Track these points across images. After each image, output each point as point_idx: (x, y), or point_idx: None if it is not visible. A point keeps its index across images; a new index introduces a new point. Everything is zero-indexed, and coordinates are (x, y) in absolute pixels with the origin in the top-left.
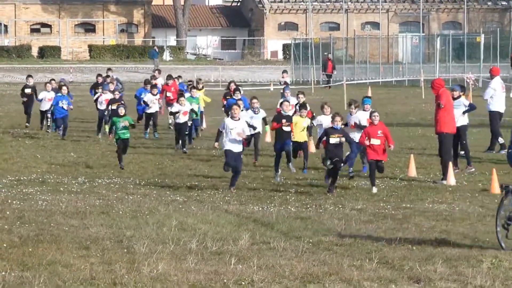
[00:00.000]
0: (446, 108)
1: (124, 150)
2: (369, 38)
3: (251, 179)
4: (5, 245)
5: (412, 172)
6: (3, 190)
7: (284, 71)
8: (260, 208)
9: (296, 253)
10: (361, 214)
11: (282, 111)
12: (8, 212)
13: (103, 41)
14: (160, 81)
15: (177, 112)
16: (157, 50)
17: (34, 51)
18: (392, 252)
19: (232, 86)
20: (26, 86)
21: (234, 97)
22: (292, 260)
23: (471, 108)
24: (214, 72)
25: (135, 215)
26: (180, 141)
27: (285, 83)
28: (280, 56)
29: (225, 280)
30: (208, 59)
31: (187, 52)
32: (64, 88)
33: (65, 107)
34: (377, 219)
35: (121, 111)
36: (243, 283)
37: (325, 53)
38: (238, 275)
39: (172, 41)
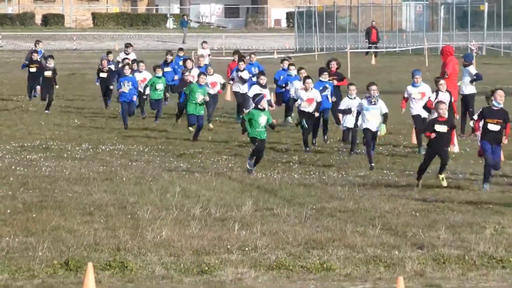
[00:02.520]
0: (450, 77)
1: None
2: (372, 6)
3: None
4: (9, 211)
5: (415, 139)
6: (7, 157)
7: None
8: (264, 175)
9: (299, 219)
10: (364, 181)
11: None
12: (11, 179)
13: (107, 9)
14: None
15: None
16: (186, 19)
17: (38, 19)
18: (396, 219)
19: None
20: (101, 70)
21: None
22: (295, 226)
23: (477, 77)
24: (218, 40)
25: (138, 181)
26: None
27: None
28: (284, 24)
29: (228, 246)
30: (211, 27)
31: (191, 20)
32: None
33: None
34: (381, 186)
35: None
36: (246, 249)
37: (372, 21)
38: (242, 241)
39: (175, 9)
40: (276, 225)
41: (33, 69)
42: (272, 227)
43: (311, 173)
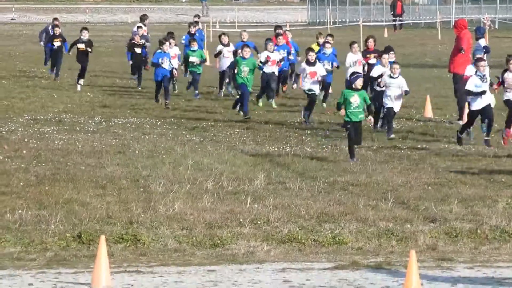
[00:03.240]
0: (466, 52)
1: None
2: None
3: (267, 119)
4: (22, 183)
5: (428, 112)
6: (20, 129)
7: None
8: (276, 148)
9: (311, 193)
10: (376, 154)
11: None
12: (24, 151)
13: None
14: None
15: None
16: None
17: None
18: (408, 192)
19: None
20: (135, 45)
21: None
22: (307, 200)
23: (486, 50)
24: (230, 13)
25: (151, 154)
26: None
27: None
28: None
29: (241, 219)
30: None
31: None
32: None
33: (166, 66)
34: (393, 160)
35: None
36: (258, 222)
37: None
38: (254, 215)
39: None
40: (288, 198)
41: (57, 43)
42: (284, 200)
43: (324, 146)
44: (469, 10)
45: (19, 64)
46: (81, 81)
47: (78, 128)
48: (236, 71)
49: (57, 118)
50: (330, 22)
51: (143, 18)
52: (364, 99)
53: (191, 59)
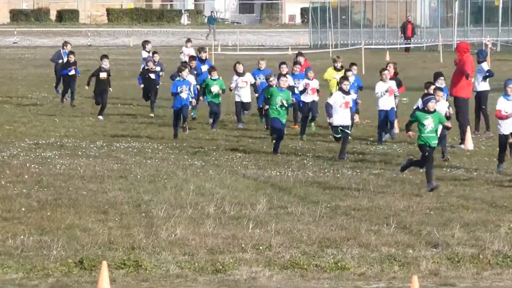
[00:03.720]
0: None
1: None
2: (387, 2)
3: (268, 144)
4: (23, 209)
5: None
6: (22, 154)
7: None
8: (278, 173)
9: (313, 217)
10: (378, 179)
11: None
12: (26, 176)
13: (121, 4)
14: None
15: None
16: (214, 16)
17: (52, 15)
18: (410, 217)
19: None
20: (149, 71)
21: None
22: (309, 225)
23: (489, 74)
24: (232, 36)
25: (153, 179)
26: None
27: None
28: (298, 20)
29: (243, 245)
30: (225, 22)
31: (205, 16)
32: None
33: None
34: (395, 184)
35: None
36: (261, 247)
37: (408, 16)
38: (256, 240)
39: (190, 4)
40: (290, 223)
41: (72, 72)
42: (286, 225)
43: (325, 171)
44: (471, 32)
45: (21, 88)
46: (101, 117)
47: (80, 153)
48: (270, 102)
49: (59, 143)
50: (332, 45)
51: (145, 44)
52: (439, 120)
53: (213, 88)
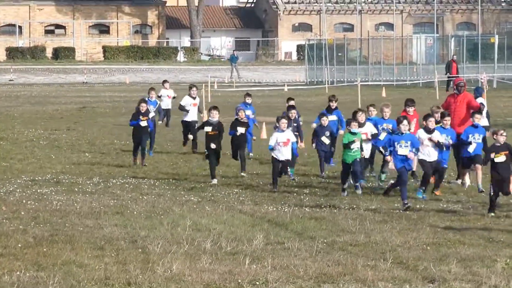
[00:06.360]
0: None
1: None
2: (383, 39)
3: (265, 179)
4: (20, 245)
5: None
6: (18, 191)
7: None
8: (275, 208)
9: (310, 253)
10: (375, 214)
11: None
12: (23, 213)
13: (117, 42)
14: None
15: None
16: (236, 54)
17: (49, 52)
18: (407, 252)
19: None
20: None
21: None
22: (306, 260)
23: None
24: (228, 73)
25: (149, 215)
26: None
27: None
28: (294, 57)
29: (239, 280)
30: (222, 60)
31: (201, 53)
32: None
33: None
34: (392, 219)
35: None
36: (257, 283)
37: (453, 55)
38: (253, 275)
39: (186, 42)
40: (287, 259)
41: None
42: (283, 261)
43: (322, 206)
44: (467, 69)
45: (17, 125)
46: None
47: (76, 189)
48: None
49: (55, 179)
50: (328, 81)
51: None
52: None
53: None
